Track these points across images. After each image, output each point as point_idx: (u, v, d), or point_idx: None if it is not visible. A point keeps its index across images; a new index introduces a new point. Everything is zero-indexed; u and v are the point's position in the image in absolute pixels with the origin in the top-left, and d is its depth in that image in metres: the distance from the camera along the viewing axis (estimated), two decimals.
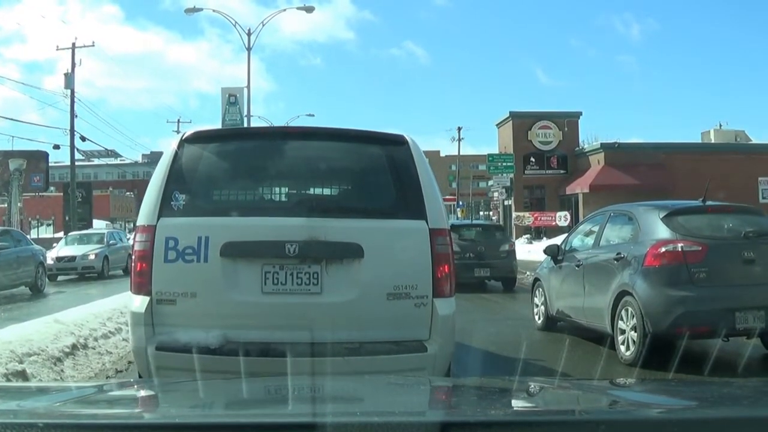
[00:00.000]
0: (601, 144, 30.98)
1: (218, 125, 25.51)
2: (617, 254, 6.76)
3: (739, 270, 6.24)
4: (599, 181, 29.72)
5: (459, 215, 53.11)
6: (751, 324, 5.98)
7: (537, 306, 8.85)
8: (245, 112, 25.57)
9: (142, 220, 3.82)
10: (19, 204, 46.70)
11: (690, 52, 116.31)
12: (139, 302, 3.71)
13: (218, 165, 4.08)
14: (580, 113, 34.84)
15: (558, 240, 9.58)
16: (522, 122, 33.67)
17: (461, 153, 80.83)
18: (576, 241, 8.19)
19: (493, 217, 54.57)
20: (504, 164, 29.55)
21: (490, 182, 36.54)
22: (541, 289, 8.69)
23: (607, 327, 6.73)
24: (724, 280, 6.20)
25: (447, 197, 77.98)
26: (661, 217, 6.54)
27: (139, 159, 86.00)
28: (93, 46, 35.98)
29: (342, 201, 4.22)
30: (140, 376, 3.86)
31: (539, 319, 8.71)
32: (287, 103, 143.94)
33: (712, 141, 35.21)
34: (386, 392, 2.37)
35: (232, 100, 25.58)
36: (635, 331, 6.21)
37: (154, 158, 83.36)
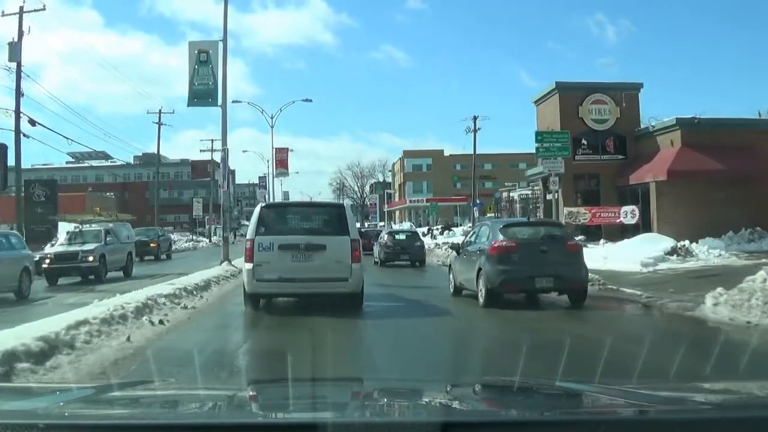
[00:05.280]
0: (677, 120, 24.43)
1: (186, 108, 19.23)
2: (479, 249, 11.79)
3: (537, 256, 11.05)
4: (678, 165, 23.20)
5: (476, 215, 50.33)
6: (544, 285, 11.04)
7: (450, 281, 13.46)
8: (219, 74, 19.07)
9: (249, 236, 10.35)
10: None
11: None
12: (249, 265, 10.00)
13: (276, 215, 10.92)
14: (641, 85, 28.33)
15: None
16: (571, 96, 27.17)
17: (464, 153, 74.69)
18: (467, 241, 13.43)
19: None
20: (556, 145, 23.08)
21: (532, 170, 29.97)
22: (452, 270, 13.48)
23: (475, 288, 11.52)
24: (528, 261, 10.92)
25: (453, 197, 72.11)
26: (499, 227, 11.80)
27: (131, 161, 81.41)
28: (44, 10, 29.39)
29: (319, 229, 10.69)
30: (247, 293, 10.26)
31: (451, 288, 13.30)
32: (276, 105, 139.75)
33: None
34: (387, 393, 2.44)
35: (203, 58, 19.12)
36: (484, 289, 11.08)
37: (146, 159, 78.22)
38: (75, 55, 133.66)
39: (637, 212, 23.83)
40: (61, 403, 1.99)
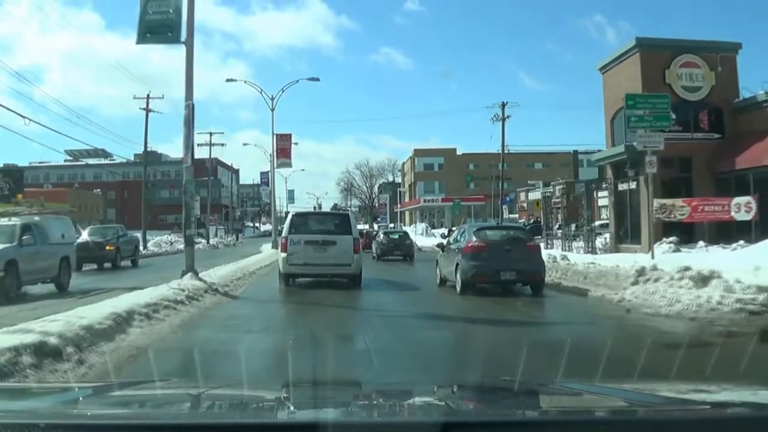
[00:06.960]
0: None
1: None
2: (458, 247, 13.86)
3: (502, 253, 13.10)
4: None
5: (507, 214, 47.54)
6: (508, 277, 12.93)
7: (437, 273, 15.59)
8: (184, 9, 13.10)
9: (284, 234, 15.00)
10: None
11: None
12: (284, 254, 14.62)
13: (302, 220, 15.92)
14: (740, 45, 22.23)
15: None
16: (655, 56, 21.10)
17: (476, 152, 69.49)
18: (450, 240, 15.42)
19: (520, 221, 50.59)
20: (656, 110, 16.98)
21: (603, 153, 23.83)
22: (438, 265, 15.66)
23: (454, 279, 13.55)
24: (495, 258, 12.90)
25: (468, 197, 66.54)
26: (473, 230, 14.14)
27: (132, 158, 76.35)
28: None
29: (332, 230, 14.94)
30: (282, 273, 14.86)
31: (438, 280, 15.39)
32: (278, 107, 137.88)
33: None
34: (388, 393, 2.43)
35: None
36: (460, 280, 13.10)
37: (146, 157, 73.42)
38: (76, 57, 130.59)
39: (753, 205, 17.76)
40: (63, 403, 2.00)
